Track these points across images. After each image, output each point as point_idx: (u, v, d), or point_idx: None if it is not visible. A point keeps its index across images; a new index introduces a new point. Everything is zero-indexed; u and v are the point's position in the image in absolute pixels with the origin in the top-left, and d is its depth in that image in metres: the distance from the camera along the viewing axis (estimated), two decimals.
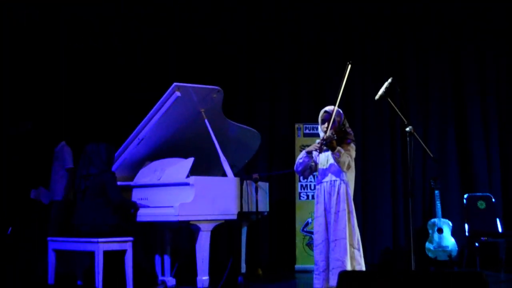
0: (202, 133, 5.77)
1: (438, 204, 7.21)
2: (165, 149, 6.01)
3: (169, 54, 7.69)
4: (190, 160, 5.58)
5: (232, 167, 5.75)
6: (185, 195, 5.34)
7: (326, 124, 4.94)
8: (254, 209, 5.97)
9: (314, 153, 4.97)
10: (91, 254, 5.09)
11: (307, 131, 7.37)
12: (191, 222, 5.30)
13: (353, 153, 4.98)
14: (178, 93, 5.54)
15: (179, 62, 7.55)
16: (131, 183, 5.84)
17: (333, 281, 4.72)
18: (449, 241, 7.11)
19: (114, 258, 5.21)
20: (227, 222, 5.66)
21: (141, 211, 5.52)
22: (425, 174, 7.62)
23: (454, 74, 7.80)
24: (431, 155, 5.22)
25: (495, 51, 7.75)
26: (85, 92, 7.36)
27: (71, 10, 7.46)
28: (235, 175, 5.74)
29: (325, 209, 4.96)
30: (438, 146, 7.66)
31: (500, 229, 7.13)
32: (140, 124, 5.79)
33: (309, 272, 6.12)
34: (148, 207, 5.55)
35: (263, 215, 6.44)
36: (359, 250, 4.91)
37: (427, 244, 7.13)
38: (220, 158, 5.66)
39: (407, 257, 4.83)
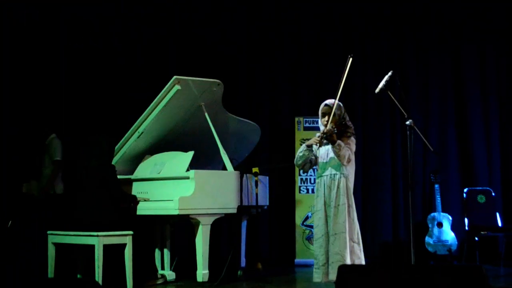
0: (202, 127, 5.76)
1: (438, 198, 7.21)
2: (165, 142, 6.01)
3: (169, 54, 7.69)
4: (190, 154, 5.58)
5: (232, 160, 5.75)
6: (185, 188, 5.34)
7: (326, 118, 4.94)
8: (254, 203, 5.97)
9: (314, 147, 4.97)
10: (91, 248, 5.08)
11: (307, 124, 7.37)
12: (191, 216, 5.30)
13: (353, 147, 4.97)
14: (178, 86, 5.53)
15: (179, 62, 7.54)
16: (131, 176, 5.84)
17: (333, 275, 4.72)
18: (449, 235, 7.12)
19: (113, 252, 5.21)
20: (227, 216, 5.66)
21: (141, 205, 5.52)
22: (425, 168, 7.62)
23: (454, 72, 7.78)
24: (431, 148, 5.21)
25: (495, 51, 7.74)
26: (85, 92, 7.35)
27: (71, 10, 7.44)
28: (235, 168, 5.74)
29: (325, 203, 4.96)
30: (438, 140, 7.65)
31: (499, 223, 7.13)
32: (140, 118, 5.78)
33: (309, 266, 6.12)
34: (148, 200, 5.55)
35: (263, 209, 6.44)
36: (359, 244, 4.91)
37: (427, 238, 7.13)
38: (220, 151, 5.66)
39: (407, 251, 4.82)
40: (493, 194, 7.28)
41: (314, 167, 5.22)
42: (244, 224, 6.36)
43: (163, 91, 5.62)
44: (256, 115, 7.30)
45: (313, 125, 7.14)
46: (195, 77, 5.66)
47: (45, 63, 7.28)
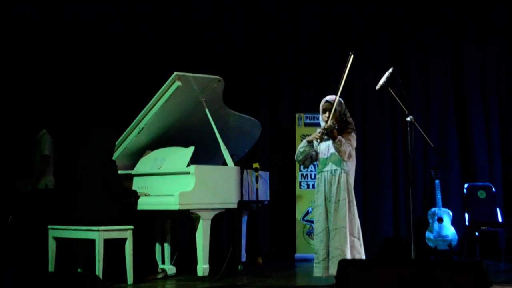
0: (203, 122, 5.77)
1: (439, 194, 7.22)
2: (166, 138, 6.02)
3: (169, 54, 7.68)
4: (191, 149, 5.58)
5: (232, 156, 5.76)
6: (186, 183, 5.35)
7: (327, 114, 4.94)
8: (254, 198, 5.97)
9: (315, 143, 4.98)
10: (91, 242, 5.10)
11: (308, 120, 7.37)
12: (191, 211, 5.31)
13: (354, 143, 4.97)
14: (178, 83, 5.54)
15: (179, 62, 7.52)
16: (132, 171, 5.84)
17: (333, 269, 4.73)
18: (449, 230, 7.13)
19: (114, 246, 5.22)
20: (228, 211, 5.67)
21: (142, 200, 5.53)
22: (425, 163, 7.63)
23: (454, 72, 7.77)
24: (432, 144, 5.22)
25: (496, 50, 7.74)
26: (85, 91, 7.36)
27: (71, 10, 7.43)
28: (236, 164, 5.74)
29: (325, 198, 4.97)
30: (438, 136, 7.66)
31: (500, 219, 7.14)
32: (141, 113, 5.79)
33: (309, 261, 6.13)
34: (149, 195, 5.56)
35: (264, 204, 6.46)
36: (359, 239, 4.92)
37: (427, 234, 7.14)
38: (220, 147, 5.67)
39: (407, 246, 4.83)
40: (493, 189, 7.28)
41: (315, 162, 5.22)
42: (244, 219, 6.38)
43: (163, 87, 5.62)
44: (257, 111, 7.30)
45: (314, 121, 7.15)
46: (195, 74, 5.66)
47: (45, 63, 7.28)
